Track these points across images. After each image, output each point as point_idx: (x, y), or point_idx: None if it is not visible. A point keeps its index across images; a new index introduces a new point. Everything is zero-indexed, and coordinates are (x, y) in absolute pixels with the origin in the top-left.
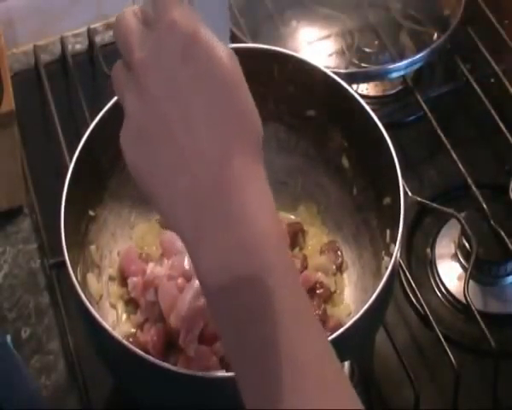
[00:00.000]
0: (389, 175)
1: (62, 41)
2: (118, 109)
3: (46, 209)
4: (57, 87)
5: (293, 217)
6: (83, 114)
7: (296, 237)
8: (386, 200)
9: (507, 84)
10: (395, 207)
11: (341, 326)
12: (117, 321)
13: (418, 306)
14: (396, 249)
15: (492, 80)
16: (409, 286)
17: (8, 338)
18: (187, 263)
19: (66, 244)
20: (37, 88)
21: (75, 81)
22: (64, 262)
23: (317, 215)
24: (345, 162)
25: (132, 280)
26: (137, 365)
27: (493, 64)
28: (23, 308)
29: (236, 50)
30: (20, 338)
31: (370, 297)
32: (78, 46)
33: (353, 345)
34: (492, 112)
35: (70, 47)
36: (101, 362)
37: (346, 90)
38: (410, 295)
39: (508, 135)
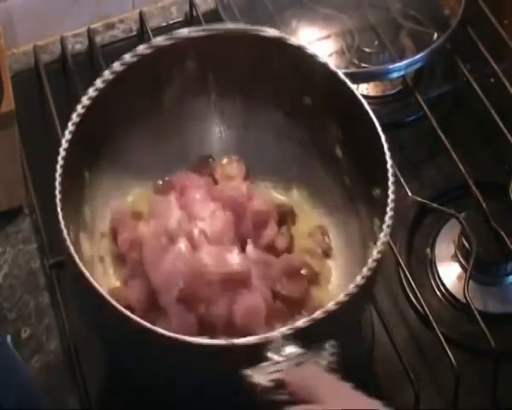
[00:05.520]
0: (380, 166)
1: (62, 41)
2: (114, 82)
3: (46, 209)
4: (57, 87)
5: (284, 198)
6: None
7: (284, 217)
8: (376, 191)
9: (507, 84)
10: (385, 198)
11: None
12: (103, 274)
13: (418, 306)
14: (384, 236)
15: (492, 80)
16: (409, 286)
17: (8, 338)
18: (172, 224)
19: (61, 201)
20: (37, 88)
21: (75, 81)
22: (64, 261)
23: (308, 199)
24: (338, 152)
25: (122, 236)
26: (121, 323)
27: (493, 64)
28: (23, 308)
29: (235, 34)
30: (20, 338)
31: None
32: (78, 46)
33: (339, 326)
34: (492, 112)
35: (70, 47)
36: (89, 327)
37: (344, 81)
38: (410, 295)
39: (508, 135)
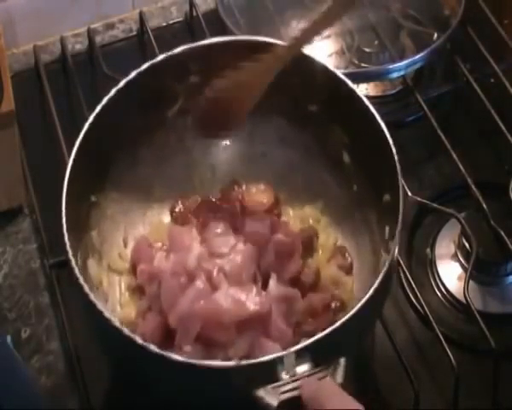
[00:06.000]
0: (389, 172)
1: (62, 41)
2: (119, 99)
3: (46, 209)
4: (57, 87)
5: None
6: (83, 114)
7: (311, 242)
8: (386, 197)
9: (507, 84)
10: (394, 204)
11: None
12: (121, 307)
13: (418, 306)
14: (394, 245)
15: (492, 80)
16: (409, 286)
17: (8, 338)
18: (192, 262)
19: (67, 229)
20: (37, 88)
21: (75, 81)
22: (64, 261)
23: (322, 212)
24: (346, 158)
25: (140, 268)
26: (135, 351)
27: (493, 64)
28: (23, 308)
29: (239, 43)
30: (20, 338)
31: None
32: (78, 46)
33: (350, 340)
34: (492, 112)
35: (70, 47)
36: (100, 350)
37: (348, 85)
38: (410, 295)
39: (508, 135)
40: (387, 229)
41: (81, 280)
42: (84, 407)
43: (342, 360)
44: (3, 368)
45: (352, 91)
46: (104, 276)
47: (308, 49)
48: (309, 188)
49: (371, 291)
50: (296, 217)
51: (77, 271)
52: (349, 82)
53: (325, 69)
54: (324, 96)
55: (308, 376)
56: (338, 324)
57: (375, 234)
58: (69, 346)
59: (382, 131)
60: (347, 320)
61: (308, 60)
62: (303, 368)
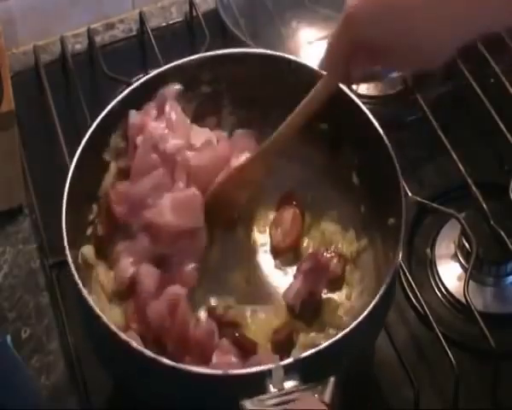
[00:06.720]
0: (394, 196)
1: (62, 41)
2: (125, 103)
3: (46, 209)
4: (57, 87)
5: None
6: (83, 114)
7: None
8: (391, 220)
9: (507, 84)
10: (399, 227)
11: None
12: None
13: (418, 306)
14: (396, 258)
15: (492, 80)
16: (409, 286)
17: (8, 338)
18: (171, 147)
19: (67, 229)
20: (37, 88)
21: (75, 81)
22: (64, 261)
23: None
24: (355, 179)
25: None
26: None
27: (493, 64)
28: (23, 308)
29: (253, 55)
30: (20, 338)
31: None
32: (78, 46)
33: (353, 350)
34: (492, 112)
35: (70, 47)
36: (99, 358)
37: (360, 107)
38: (410, 295)
39: (508, 135)
40: (391, 255)
41: (80, 286)
42: (84, 407)
43: (332, 380)
44: (3, 368)
45: (362, 113)
46: (110, 277)
47: (306, 52)
48: (317, 206)
49: (374, 302)
50: None
51: (76, 277)
52: (363, 107)
53: (338, 89)
54: (336, 116)
55: (295, 392)
56: (342, 333)
57: (380, 257)
58: (69, 346)
59: (389, 154)
60: (352, 329)
61: (319, 76)
62: (291, 383)
